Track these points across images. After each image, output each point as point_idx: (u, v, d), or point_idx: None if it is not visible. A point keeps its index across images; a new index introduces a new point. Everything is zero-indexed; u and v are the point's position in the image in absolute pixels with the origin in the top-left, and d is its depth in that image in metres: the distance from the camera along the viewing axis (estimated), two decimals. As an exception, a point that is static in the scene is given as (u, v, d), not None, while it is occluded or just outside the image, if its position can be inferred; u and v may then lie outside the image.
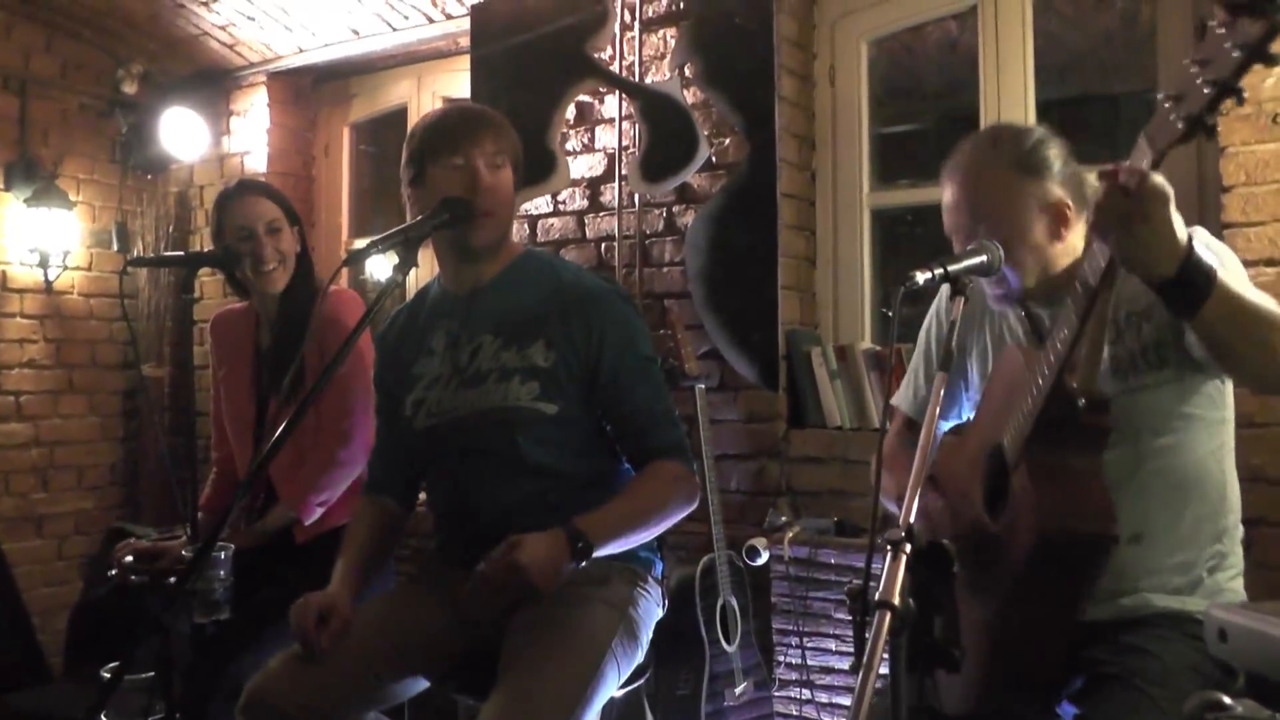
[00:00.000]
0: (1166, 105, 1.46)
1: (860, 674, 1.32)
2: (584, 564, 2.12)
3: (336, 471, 2.91)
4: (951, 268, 1.78)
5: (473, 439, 2.34)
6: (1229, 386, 2.04)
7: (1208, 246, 1.71)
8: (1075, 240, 2.03)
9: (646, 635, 2.35)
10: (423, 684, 2.38)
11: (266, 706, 2.17)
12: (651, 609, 2.39)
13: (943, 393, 1.66)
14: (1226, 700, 1.20)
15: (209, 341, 3.26)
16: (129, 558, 2.88)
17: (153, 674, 2.47)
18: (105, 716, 2.78)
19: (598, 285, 2.40)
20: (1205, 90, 1.39)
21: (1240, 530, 2.06)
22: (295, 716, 2.15)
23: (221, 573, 2.47)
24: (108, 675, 2.78)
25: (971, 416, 2.28)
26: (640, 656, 2.33)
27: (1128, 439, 1.94)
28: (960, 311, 1.76)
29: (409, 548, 4.00)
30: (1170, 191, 1.58)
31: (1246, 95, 1.38)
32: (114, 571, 2.90)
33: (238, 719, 2.21)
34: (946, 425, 2.36)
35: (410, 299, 2.61)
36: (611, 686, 2.21)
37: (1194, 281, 1.63)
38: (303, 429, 2.89)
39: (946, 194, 2.10)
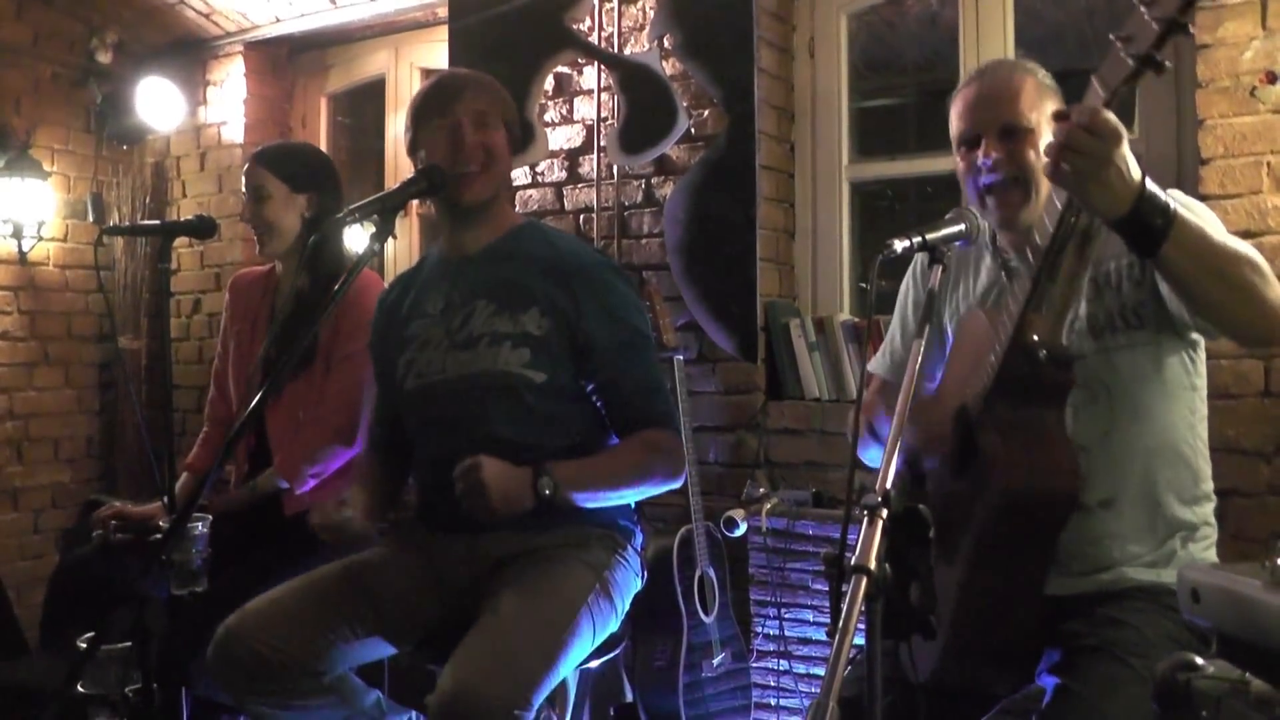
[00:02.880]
0: (1117, 45, 1.51)
1: (835, 638, 1.33)
2: (548, 499, 2.18)
3: (334, 447, 2.90)
4: (930, 236, 1.80)
5: (460, 403, 2.35)
6: (1201, 355, 2.05)
7: (1185, 205, 1.72)
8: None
9: (622, 602, 2.36)
10: (389, 650, 2.38)
11: (240, 643, 2.19)
12: (629, 577, 2.40)
13: (922, 355, 1.67)
14: (1199, 661, 1.21)
15: (226, 299, 3.28)
16: (113, 521, 2.89)
17: (129, 644, 2.46)
18: (82, 687, 2.77)
19: (591, 257, 2.43)
20: (1154, 27, 1.44)
21: (1213, 501, 2.07)
22: (267, 656, 2.18)
23: (199, 543, 2.46)
24: (84, 646, 2.77)
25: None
26: (615, 623, 2.34)
27: (1100, 400, 1.96)
28: (939, 279, 1.77)
29: (386, 520, 3.97)
30: (1123, 130, 1.60)
31: (1194, 31, 1.48)
32: (98, 532, 2.92)
33: (211, 656, 2.22)
34: (932, 386, 2.37)
35: (412, 266, 2.65)
36: (586, 643, 2.22)
37: (1150, 218, 1.65)
38: (305, 400, 2.90)
39: (971, 90, 2.11)
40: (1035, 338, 1.79)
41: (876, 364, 2.45)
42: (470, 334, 2.36)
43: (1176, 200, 1.70)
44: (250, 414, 1.93)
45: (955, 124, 2.13)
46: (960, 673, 1.93)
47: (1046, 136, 2.01)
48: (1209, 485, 2.06)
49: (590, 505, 2.29)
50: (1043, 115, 2.02)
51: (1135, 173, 1.63)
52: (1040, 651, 1.91)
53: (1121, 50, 1.50)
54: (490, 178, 2.38)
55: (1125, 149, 1.60)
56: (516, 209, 4.10)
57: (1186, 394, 2.03)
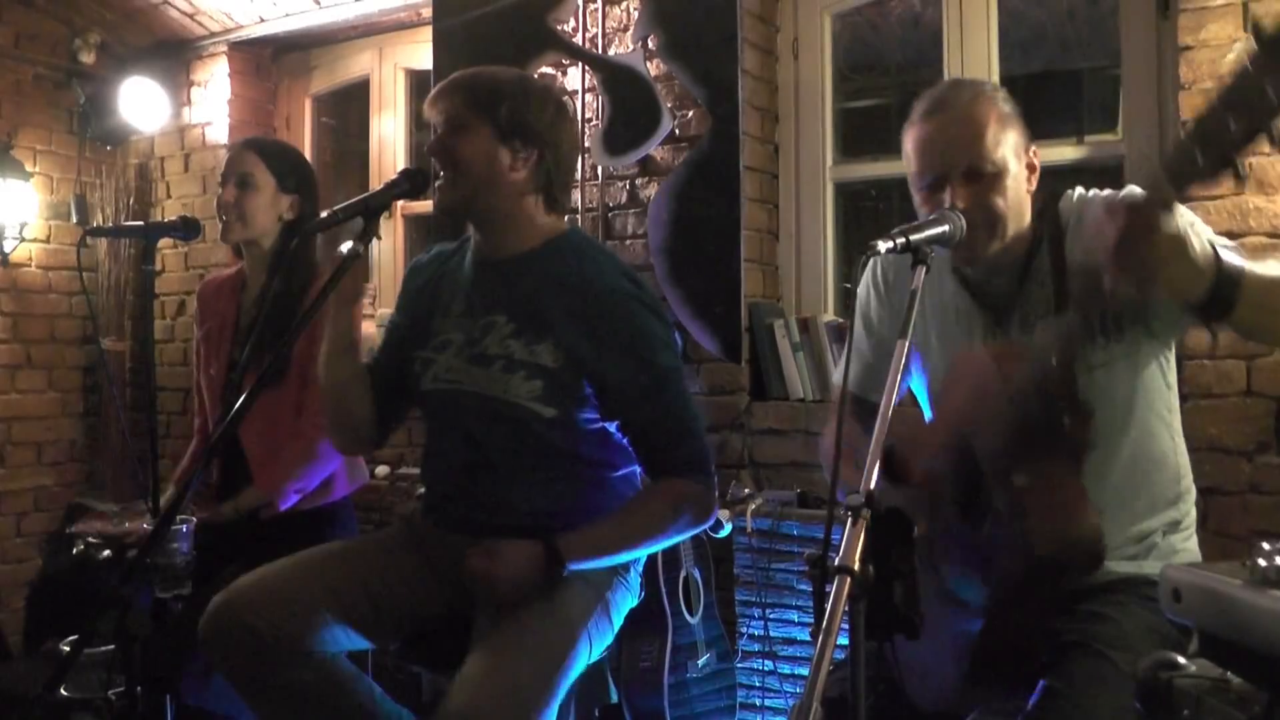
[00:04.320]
0: (1190, 143, 1.38)
1: (819, 639, 1.33)
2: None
3: (318, 463, 2.87)
4: (913, 237, 1.78)
5: (472, 419, 2.32)
6: (1172, 353, 2.05)
7: (1189, 224, 1.69)
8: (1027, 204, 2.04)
9: (619, 620, 2.36)
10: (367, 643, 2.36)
11: (233, 616, 2.17)
12: (627, 596, 2.40)
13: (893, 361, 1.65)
14: (1180, 660, 1.22)
15: (195, 307, 3.23)
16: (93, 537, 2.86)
17: (112, 648, 2.45)
18: (65, 690, 2.76)
19: (618, 287, 2.27)
20: (1235, 131, 1.30)
21: (1193, 492, 2.08)
22: (261, 630, 2.15)
23: (183, 546, 2.45)
24: (67, 650, 2.76)
25: (926, 398, 2.27)
26: (610, 639, 2.33)
27: None
28: (921, 280, 1.75)
29: (373, 522, 3.98)
30: (1183, 237, 1.50)
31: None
32: (79, 547, 2.88)
33: (204, 627, 2.20)
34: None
35: (456, 242, 2.53)
36: (582, 665, 2.21)
37: (1225, 293, 1.58)
38: (282, 410, 2.87)
39: (931, 126, 2.02)
40: (1060, 394, 1.74)
41: (851, 380, 2.33)
42: (486, 350, 2.29)
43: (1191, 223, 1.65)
44: (227, 425, 1.91)
45: (914, 162, 2.05)
46: (969, 704, 1.91)
47: (1014, 171, 1.98)
48: (1189, 480, 2.08)
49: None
50: (1009, 150, 1.97)
51: (1206, 254, 1.54)
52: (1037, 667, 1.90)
53: (1196, 148, 1.36)
54: (455, 184, 2.27)
55: (1189, 249, 1.51)
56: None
57: (1163, 394, 2.04)
